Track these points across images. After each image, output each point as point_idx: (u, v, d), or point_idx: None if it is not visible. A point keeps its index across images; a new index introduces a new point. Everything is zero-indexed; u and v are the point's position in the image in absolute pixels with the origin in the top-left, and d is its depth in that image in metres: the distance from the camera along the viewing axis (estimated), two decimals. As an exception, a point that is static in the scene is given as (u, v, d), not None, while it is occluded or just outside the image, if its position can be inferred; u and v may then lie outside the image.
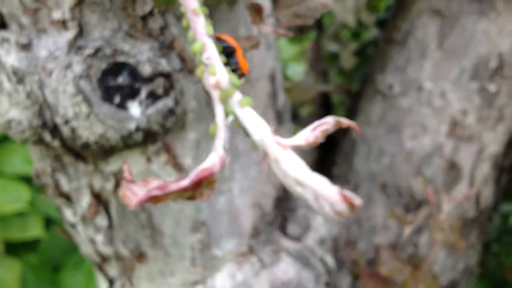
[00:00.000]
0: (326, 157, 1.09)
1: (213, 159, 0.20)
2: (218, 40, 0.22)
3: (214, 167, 0.20)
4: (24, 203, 1.13)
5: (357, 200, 0.18)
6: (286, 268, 0.71)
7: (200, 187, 0.20)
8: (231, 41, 0.24)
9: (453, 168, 0.89)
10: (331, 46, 1.47)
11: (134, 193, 0.20)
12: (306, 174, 0.19)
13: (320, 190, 0.19)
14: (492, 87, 0.87)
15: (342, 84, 1.22)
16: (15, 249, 1.25)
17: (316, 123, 0.21)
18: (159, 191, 0.19)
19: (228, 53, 0.23)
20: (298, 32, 1.05)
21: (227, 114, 0.20)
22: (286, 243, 0.74)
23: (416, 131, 0.91)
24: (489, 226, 0.99)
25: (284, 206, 0.75)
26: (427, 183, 0.87)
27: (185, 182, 0.19)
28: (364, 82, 1.03)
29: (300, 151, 0.79)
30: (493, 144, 0.89)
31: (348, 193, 0.19)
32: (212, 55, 0.20)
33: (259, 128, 0.20)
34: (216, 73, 0.20)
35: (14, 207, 1.12)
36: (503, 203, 1.14)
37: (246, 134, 0.20)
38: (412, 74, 0.91)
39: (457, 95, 0.88)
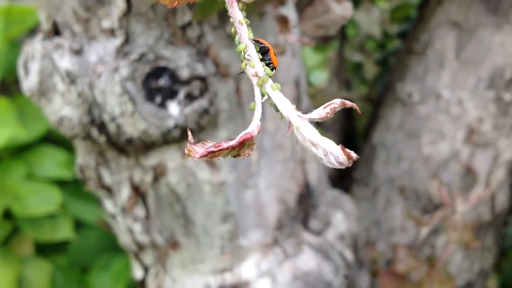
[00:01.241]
0: (347, 162, 1.17)
1: (253, 126, 0.29)
2: (256, 42, 0.31)
3: (254, 132, 0.29)
4: (55, 206, 1.21)
5: (354, 154, 0.27)
6: (308, 260, 0.79)
7: (243, 147, 0.29)
8: (266, 43, 0.34)
9: (469, 173, 0.97)
10: (355, 57, 1.56)
11: (196, 151, 0.29)
12: (318, 137, 0.28)
13: (328, 148, 0.28)
14: (507, 96, 0.95)
15: (366, 93, 1.31)
16: (44, 250, 1.33)
17: (327, 104, 0.30)
18: (215, 148, 0.28)
19: (263, 51, 0.32)
20: (322, 42, 1.14)
21: (262, 95, 0.29)
22: (308, 236, 0.82)
23: (434, 137, 0.99)
24: (504, 230, 1.06)
25: (306, 203, 0.83)
26: (442, 185, 0.95)
27: (233, 142, 0.28)
28: (384, 90, 1.12)
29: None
30: (508, 150, 0.97)
31: (347, 150, 0.27)
32: (252, 53, 0.29)
33: (285, 105, 0.29)
34: (255, 66, 0.29)
35: (46, 209, 1.20)
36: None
37: (276, 109, 0.29)
38: (430, 83, 0.99)
39: (473, 103, 0.96)
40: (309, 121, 0.29)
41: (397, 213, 1.02)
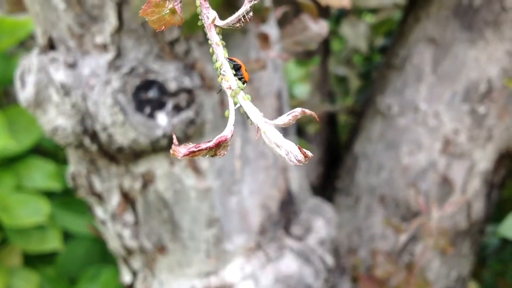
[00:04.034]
0: (330, 172, 1.25)
1: (227, 131, 0.35)
2: (230, 60, 0.38)
3: (228, 135, 0.35)
4: (44, 217, 1.25)
5: (309, 153, 0.34)
6: (289, 263, 0.86)
7: (219, 147, 0.36)
8: (238, 61, 0.41)
9: (446, 182, 1.04)
10: (340, 70, 1.63)
11: (179, 151, 0.36)
12: (282, 140, 0.35)
13: (289, 149, 0.35)
14: (481, 109, 1.02)
15: (348, 106, 1.38)
16: (33, 261, 1.37)
17: (289, 112, 0.37)
18: (195, 148, 0.35)
19: (236, 68, 0.39)
20: (305, 56, 1.22)
21: (235, 104, 0.36)
22: (290, 241, 0.89)
23: (412, 148, 1.06)
24: (481, 238, 1.13)
25: (288, 209, 0.90)
26: (419, 194, 1.02)
27: (211, 144, 0.35)
28: (366, 103, 1.19)
29: (306, 165, 0.95)
30: (483, 161, 1.04)
31: (304, 150, 0.34)
32: (226, 70, 0.36)
33: (254, 113, 0.36)
34: (229, 80, 0.36)
35: (34, 220, 1.23)
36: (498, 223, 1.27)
37: (247, 116, 0.36)
38: (409, 96, 1.07)
39: (449, 116, 1.03)
40: (274, 126, 0.36)
41: (378, 221, 1.08)
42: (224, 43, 0.37)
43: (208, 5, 0.37)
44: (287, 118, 0.37)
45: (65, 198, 1.28)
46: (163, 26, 0.37)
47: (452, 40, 1.04)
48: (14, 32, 1.23)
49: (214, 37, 0.37)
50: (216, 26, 0.37)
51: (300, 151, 0.34)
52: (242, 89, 0.36)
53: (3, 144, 1.10)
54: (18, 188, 1.29)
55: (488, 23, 1.01)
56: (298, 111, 0.37)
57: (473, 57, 1.02)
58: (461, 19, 1.03)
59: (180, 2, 0.37)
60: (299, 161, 0.35)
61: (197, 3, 0.37)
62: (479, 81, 1.02)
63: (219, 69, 0.36)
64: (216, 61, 0.36)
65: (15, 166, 1.30)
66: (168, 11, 0.37)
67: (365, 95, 1.32)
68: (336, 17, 1.54)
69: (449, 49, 1.04)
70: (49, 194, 1.29)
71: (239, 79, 0.37)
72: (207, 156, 0.36)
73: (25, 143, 1.23)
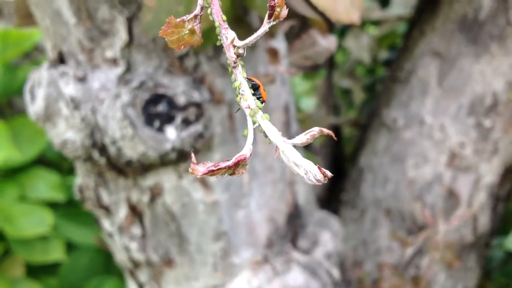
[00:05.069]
0: (335, 184, 1.25)
1: (246, 150, 0.36)
2: (249, 80, 0.39)
3: (247, 154, 0.36)
4: (47, 227, 1.25)
5: (328, 173, 0.35)
6: (296, 277, 0.86)
7: (238, 166, 0.36)
8: (256, 80, 0.41)
9: (452, 196, 1.04)
10: (344, 83, 1.64)
11: (198, 170, 0.36)
12: (300, 159, 0.35)
13: (308, 168, 0.35)
14: (487, 123, 1.03)
15: (353, 119, 1.39)
16: (36, 272, 1.38)
17: (307, 131, 0.38)
18: (214, 167, 0.35)
19: (255, 88, 0.40)
20: (311, 70, 1.23)
21: (253, 123, 0.37)
22: (297, 255, 0.89)
23: (418, 161, 1.07)
24: (487, 251, 1.13)
25: (295, 222, 0.90)
26: (425, 207, 1.02)
27: (230, 162, 0.35)
28: (371, 116, 1.20)
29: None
30: (489, 174, 1.04)
31: (323, 169, 0.35)
32: (245, 89, 0.37)
33: (273, 132, 0.36)
34: (247, 99, 0.36)
35: (38, 231, 1.23)
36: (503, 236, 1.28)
37: (265, 135, 0.36)
38: (414, 109, 1.08)
39: (455, 129, 1.04)
40: (292, 145, 0.36)
41: (383, 234, 1.09)
42: (242, 63, 0.37)
43: (227, 26, 0.37)
44: (305, 137, 0.37)
45: (68, 208, 1.28)
46: (182, 46, 0.38)
47: (457, 53, 1.04)
48: (19, 44, 1.24)
49: (232, 58, 0.37)
50: (234, 46, 0.37)
51: (320, 170, 0.35)
52: (260, 109, 0.37)
53: (7, 155, 1.11)
54: (21, 198, 1.29)
55: (493, 37, 1.01)
56: (316, 130, 0.38)
57: (478, 71, 1.03)
58: (467, 33, 1.03)
59: (199, 22, 0.38)
60: (318, 180, 0.35)
61: (216, 23, 0.37)
62: (484, 95, 1.03)
63: (237, 89, 0.37)
64: (235, 80, 0.37)
65: (19, 176, 1.31)
66: (187, 31, 0.38)
67: (370, 108, 1.33)
68: (341, 30, 1.55)
69: (454, 62, 1.04)
70: (52, 205, 1.29)
71: (257, 98, 0.38)
72: (226, 175, 0.37)
73: (29, 154, 1.23)
